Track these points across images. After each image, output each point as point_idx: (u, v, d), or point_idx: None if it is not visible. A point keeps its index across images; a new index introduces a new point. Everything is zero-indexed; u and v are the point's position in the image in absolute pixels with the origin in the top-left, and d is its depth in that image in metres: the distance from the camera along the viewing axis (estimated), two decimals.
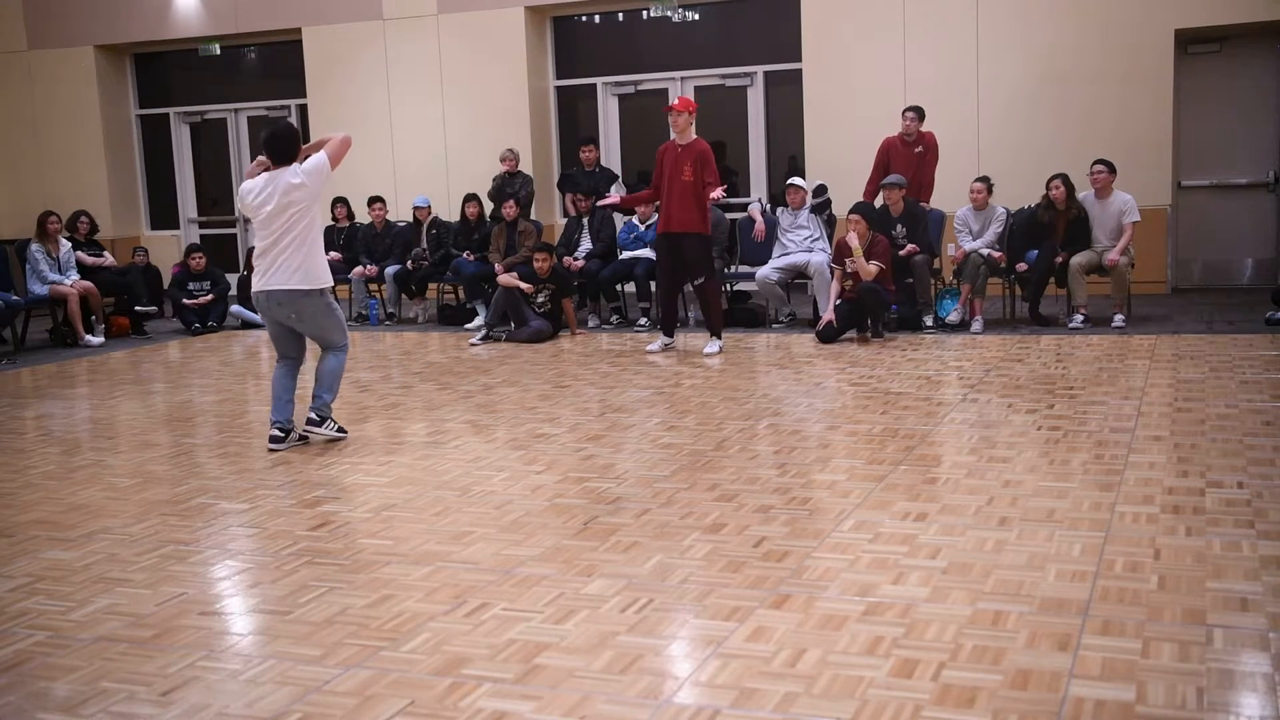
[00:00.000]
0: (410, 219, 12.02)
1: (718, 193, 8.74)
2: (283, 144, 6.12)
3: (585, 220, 11.04)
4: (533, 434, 6.31)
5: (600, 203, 10.16)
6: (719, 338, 8.94)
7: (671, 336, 9.12)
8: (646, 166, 13.45)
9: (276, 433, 6.20)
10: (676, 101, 8.92)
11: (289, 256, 6.03)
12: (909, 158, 10.21)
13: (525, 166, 12.43)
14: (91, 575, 4.27)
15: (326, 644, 3.52)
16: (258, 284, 6.13)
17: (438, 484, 5.40)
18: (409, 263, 11.48)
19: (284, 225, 6.02)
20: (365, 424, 6.84)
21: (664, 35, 13.09)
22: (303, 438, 6.28)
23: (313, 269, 6.09)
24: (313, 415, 6.25)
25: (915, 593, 3.72)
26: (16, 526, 4.93)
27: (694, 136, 8.74)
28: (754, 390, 7.39)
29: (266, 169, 6.12)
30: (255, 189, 6.08)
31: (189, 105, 15.14)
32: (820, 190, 10.43)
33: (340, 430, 6.37)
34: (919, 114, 10.22)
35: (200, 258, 11.62)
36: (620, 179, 12.44)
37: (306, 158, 6.14)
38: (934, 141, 10.26)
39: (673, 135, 8.81)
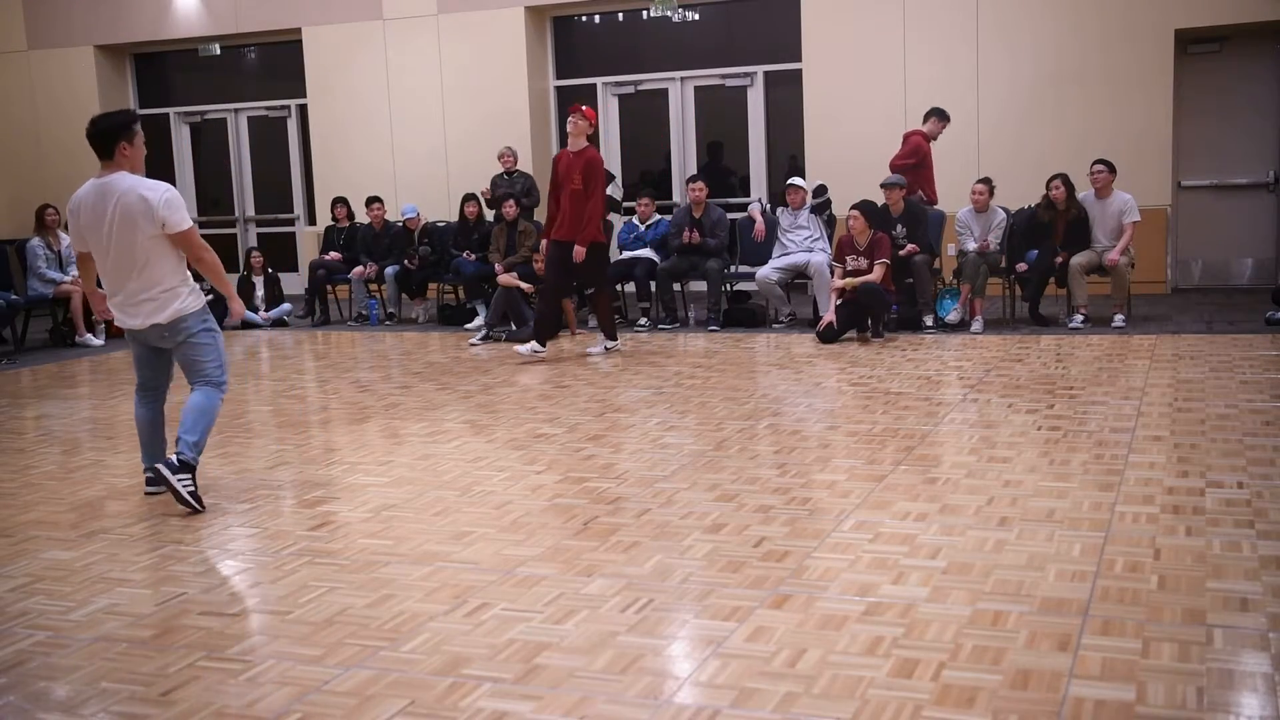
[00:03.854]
0: (399, 225, 11.99)
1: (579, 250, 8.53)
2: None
3: None
4: (533, 434, 6.31)
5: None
6: (612, 339, 8.98)
7: (544, 346, 8.76)
8: (647, 166, 13.50)
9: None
10: (584, 107, 8.76)
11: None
12: (928, 161, 10.26)
13: (525, 166, 12.43)
14: (91, 575, 4.27)
15: (326, 644, 3.52)
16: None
17: (438, 484, 5.40)
18: (407, 260, 11.46)
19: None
20: (365, 424, 6.84)
21: (664, 35, 13.09)
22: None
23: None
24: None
25: (915, 593, 3.72)
26: (16, 526, 4.93)
27: (586, 144, 8.65)
28: (754, 390, 7.39)
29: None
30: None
31: (189, 105, 15.14)
32: (820, 190, 10.43)
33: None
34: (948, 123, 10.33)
35: None
36: (617, 179, 12.44)
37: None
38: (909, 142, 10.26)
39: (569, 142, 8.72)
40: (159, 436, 5.32)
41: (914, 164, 10.05)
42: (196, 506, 4.98)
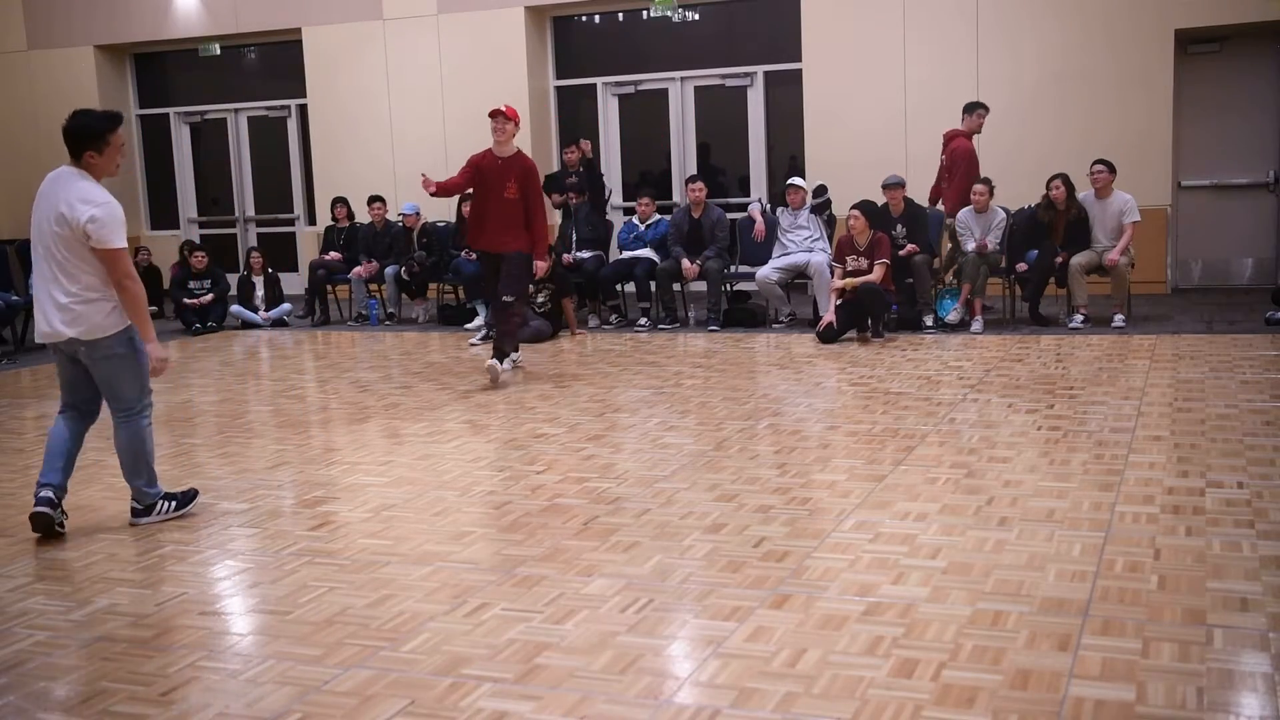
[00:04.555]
0: (398, 223, 12.00)
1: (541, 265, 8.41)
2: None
3: (573, 210, 11.09)
4: (532, 434, 6.31)
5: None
6: (503, 358, 7.97)
7: (517, 349, 8.42)
8: (647, 166, 13.49)
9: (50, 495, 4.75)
10: (505, 108, 8.04)
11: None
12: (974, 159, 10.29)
13: None
14: (91, 575, 4.27)
15: (326, 644, 3.52)
16: None
17: (437, 484, 5.40)
18: (403, 271, 11.46)
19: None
20: (365, 424, 6.84)
21: (664, 35, 13.08)
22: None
23: None
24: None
25: (915, 593, 3.72)
26: (17, 526, 4.93)
27: (516, 149, 8.11)
28: (754, 390, 7.39)
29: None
30: None
31: (189, 105, 15.14)
32: (820, 190, 10.43)
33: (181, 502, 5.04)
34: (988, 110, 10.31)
35: (202, 256, 11.62)
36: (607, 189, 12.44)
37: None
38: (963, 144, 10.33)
39: (494, 145, 8.04)
40: (69, 457, 4.82)
41: (964, 167, 10.08)
42: (191, 505, 5.01)
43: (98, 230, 4.53)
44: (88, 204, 4.55)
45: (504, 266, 8.01)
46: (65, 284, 4.62)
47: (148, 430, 4.87)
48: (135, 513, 4.92)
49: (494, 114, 7.98)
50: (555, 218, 11.69)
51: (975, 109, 10.26)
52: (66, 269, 4.61)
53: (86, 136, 4.63)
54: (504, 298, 8.04)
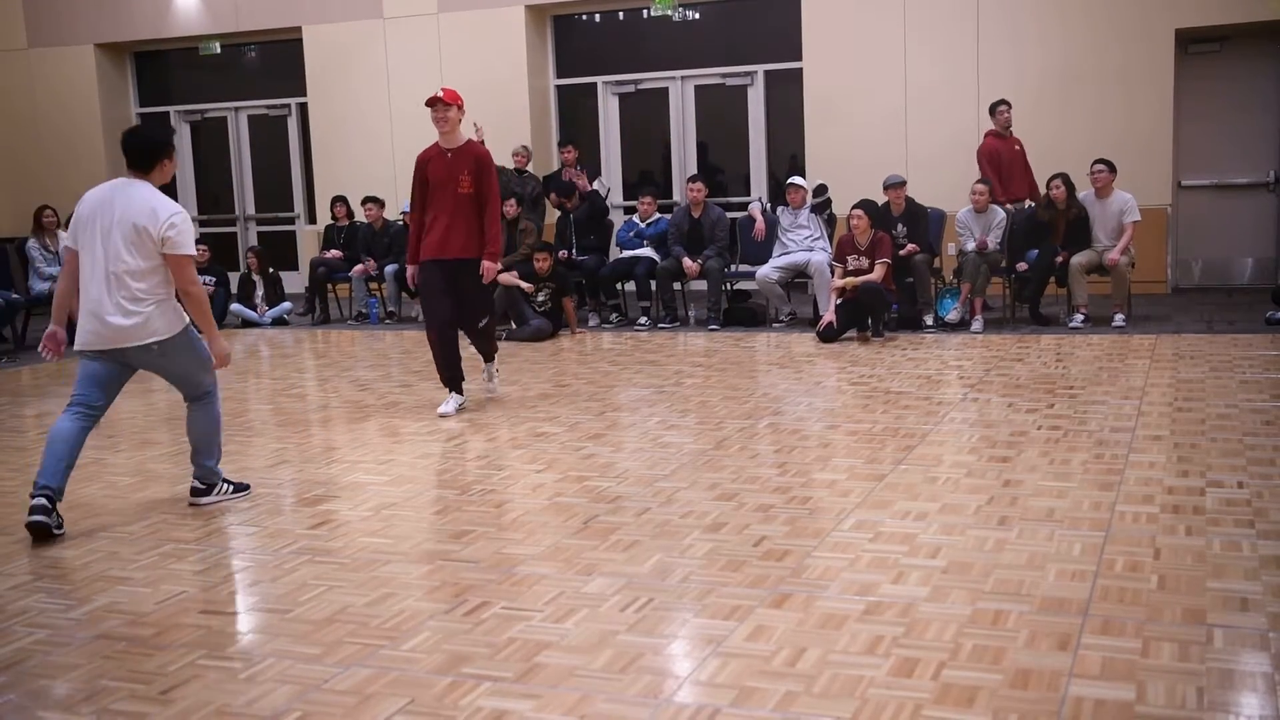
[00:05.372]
0: (398, 221, 11.99)
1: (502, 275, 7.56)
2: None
3: (571, 216, 11.08)
4: (533, 433, 6.31)
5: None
6: (491, 360, 7.37)
7: (462, 392, 7.05)
8: (647, 166, 13.49)
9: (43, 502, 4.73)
10: (442, 93, 6.83)
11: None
12: (1012, 154, 10.37)
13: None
14: (91, 573, 4.27)
15: (326, 642, 3.52)
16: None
17: (437, 483, 5.40)
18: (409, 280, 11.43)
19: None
20: (365, 422, 6.83)
21: (664, 34, 13.08)
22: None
23: None
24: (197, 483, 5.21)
25: (915, 592, 3.72)
26: (17, 524, 4.92)
27: (464, 138, 6.95)
28: (754, 389, 7.39)
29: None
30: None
31: (189, 104, 15.13)
32: (821, 190, 10.43)
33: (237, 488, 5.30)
34: (1009, 105, 10.43)
35: (203, 250, 11.60)
36: (601, 176, 12.43)
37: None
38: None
39: (440, 138, 6.93)
40: (73, 457, 4.82)
41: (993, 168, 10.20)
42: (246, 488, 5.29)
43: (177, 236, 4.77)
44: (167, 211, 4.79)
45: (466, 282, 6.81)
46: (134, 289, 4.77)
47: (220, 411, 5.19)
48: (196, 492, 5.15)
49: (431, 102, 6.80)
50: (552, 217, 11.71)
51: (995, 107, 10.45)
52: (136, 275, 4.77)
53: (162, 145, 4.94)
54: (479, 323, 7.02)
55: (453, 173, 6.79)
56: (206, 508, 5.10)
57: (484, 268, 6.83)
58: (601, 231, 11.19)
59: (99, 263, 4.77)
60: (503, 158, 11.74)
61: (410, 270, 7.05)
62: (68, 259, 4.91)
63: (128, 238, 4.74)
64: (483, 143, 11.07)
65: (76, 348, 4.88)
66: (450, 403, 6.93)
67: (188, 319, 4.95)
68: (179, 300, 4.92)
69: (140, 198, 4.78)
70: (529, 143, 12.88)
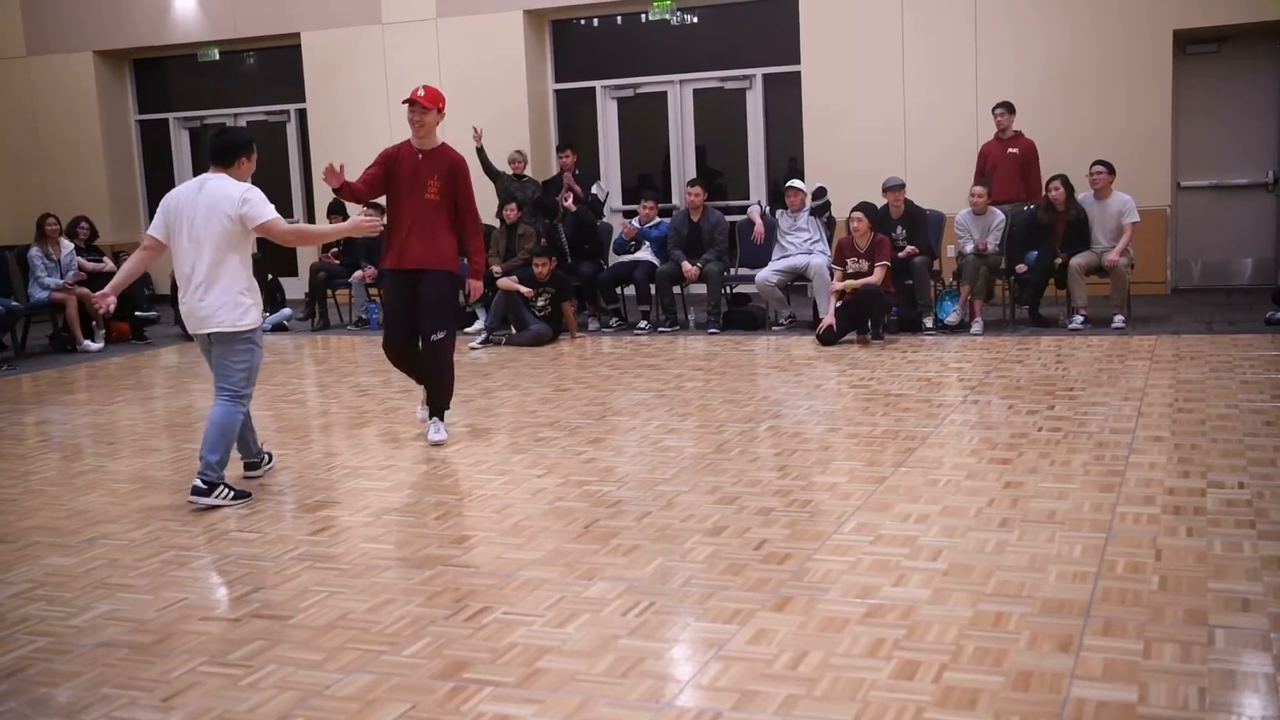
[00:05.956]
0: None
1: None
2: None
3: (560, 228, 11.08)
4: (533, 437, 6.31)
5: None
6: (441, 416, 6.42)
7: (443, 417, 6.46)
8: (646, 170, 13.49)
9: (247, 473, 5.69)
10: (422, 92, 6.21)
11: None
12: (1001, 157, 10.47)
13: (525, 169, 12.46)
14: (92, 581, 4.27)
15: (328, 648, 3.52)
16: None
17: (438, 488, 5.40)
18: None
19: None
20: (365, 428, 6.83)
21: (662, 38, 13.09)
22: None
23: None
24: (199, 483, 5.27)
25: (916, 594, 3.72)
26: (18, 532, 4.93)
27: (440, 141, 6.36)
28: (754, 393, 7.39)
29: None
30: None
31: (188, 110, 15.14)
32: (820, 193, 10.43)
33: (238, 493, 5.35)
34: (1008, 109, 10.54)
35: None
36: (601, 180, 12.43)
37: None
38: (1029, 144, 10.51)
39: (412, 137, 6.30)
40: (248, 427, 5.54)
41: (983, 172, 10.35)
42: (246, 495, 5.33)
43: (251, 209, 5.20)
44: (239, 189, 5.25)
45: (425, 291, 6.19)
46: (226, 282, 5.23)
47: (241, 418, 5.37)
48: (197, 491, 5.21)
49: (409, 102, 6.20)
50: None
51: (992, 111, 10.63)
52: (228, 267, 5.23)
53: (241, 145, 5.41)
54: (432, 336, 6.23)
55: (421, 176, 6.22)
56: (204, 509, 5.14)
57: (470, 287, 6.56)
58: (594, 239, 11.17)
59: (188, 255, 5.24)
60: (503, 162, 11.79)
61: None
62: (149, 245, 5.39)
63: (225, 226, 5.20)
64: (480, 147, 11.07)
65: (190, 332, 5.45)
66: (436, 428, 6.36)
67: (259, 322, 5.34)
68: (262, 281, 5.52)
69: (219, 187, 5.26)
70: (527, 147, 12.90)
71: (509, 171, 11.71)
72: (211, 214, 5.19)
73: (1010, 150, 10.47)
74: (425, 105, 6.16)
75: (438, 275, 6.22)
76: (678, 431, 6.30)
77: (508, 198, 11.25)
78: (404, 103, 6.26)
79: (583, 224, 11.09)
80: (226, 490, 5.25)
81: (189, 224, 5.22)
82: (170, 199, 5.35)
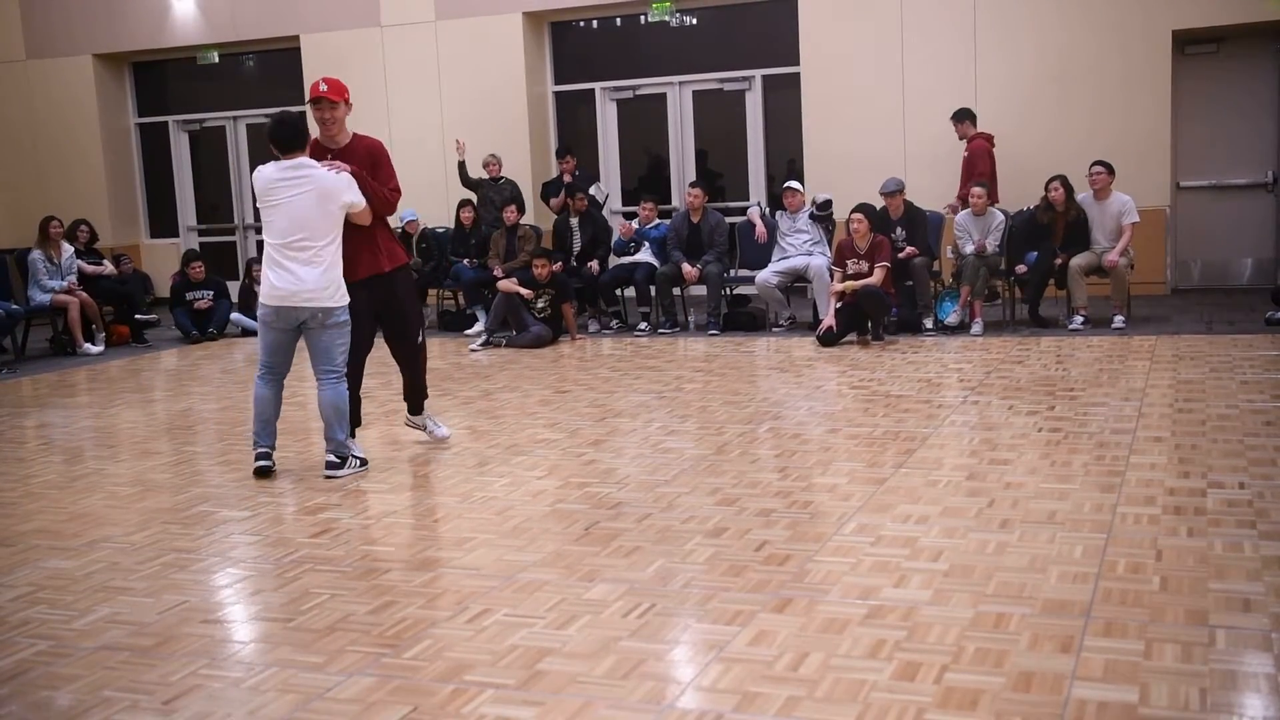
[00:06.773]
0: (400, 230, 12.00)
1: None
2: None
3: (573, 221, 11.09)
4: (533, 439, 6.31)
5: None
6: (423, 407, 6.30)
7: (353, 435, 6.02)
8: (645, 171, 13.50)
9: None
10: (325, 87, 5.78)
11: None
12: (961, 159, 10.71)
13: (524, 171, 12.46)
14: (93, 584, 4.27)
15: (328, 651, 3.52)
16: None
17: (439, 490, 5.40)
18: None
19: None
20: (365, 430, 6.83)
21: (662, 40, 13.10)
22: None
23: None
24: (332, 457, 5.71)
25: (917, 595, 3.71)
26: (18, 536, 4.93)
27: (351, 134, 5.92)
28: (754, 394, 7.39)
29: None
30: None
31: (188, 113, 15.15)
32: (826, 205, 10.35)
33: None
34: (956, 118, 10.79)
35: (198, 267, 11.62)
36: (600, 182, 12.43)
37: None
38: (978, 145, 10.62)
39: (321, 136, 5.87)
40: (276, 415, 5.81)
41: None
42: (367, 464, 5.79)
43: (356, 196, 5.57)
44: (344, 180, 5.56)
45: (393, 297, 5.91)
46: (324, 259, 5.49)
47: (345, 391, 5.70)
48: (331, 465, 5.66)
49: (313, 101, 5.79)
50: (550, 222, 11.71)
51: (960, 116, 10.87)
52: (324, 246, 5.50)
53: (305, 130, 5.65)
54: (417, 340, 6.10)
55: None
56: (340, 479, 5.59)
57: (338, 165, 5.65)
58: (606, 241, 11.17)
59: (282, 233, 5.48)
60: (478, 169, 11.81)
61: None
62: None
63: (329, 208, 5.50)
64: (462, 162, 11.08)
65: (261, 302, 5.62)
66: (434, 424, 6.31)
67: (347, 300, 5.58)
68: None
69: (316, 172, 5.53)
70: (528, 149, 12.92)
71: (485, 176, 11.72)
72: (325, 198, 5.48)
73: (964, 153, 10.69)
74: (333, 99, 5.74)
75: (396, 277, 5.90)
76: (678, 433, 6.30)
77: (505, 200, 11.26)
78: (309, 103, 5.82)
79: (598, 225, 11.11)
80: (355, 460, 5.72)
81: (288, 204, 5.46)
82: (258, 182, 5.58)
